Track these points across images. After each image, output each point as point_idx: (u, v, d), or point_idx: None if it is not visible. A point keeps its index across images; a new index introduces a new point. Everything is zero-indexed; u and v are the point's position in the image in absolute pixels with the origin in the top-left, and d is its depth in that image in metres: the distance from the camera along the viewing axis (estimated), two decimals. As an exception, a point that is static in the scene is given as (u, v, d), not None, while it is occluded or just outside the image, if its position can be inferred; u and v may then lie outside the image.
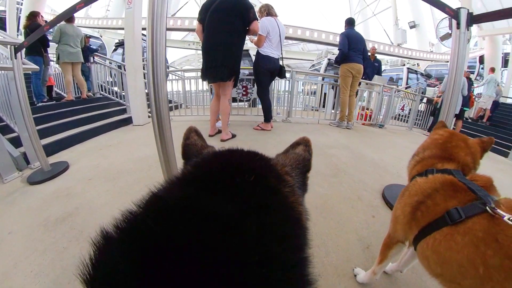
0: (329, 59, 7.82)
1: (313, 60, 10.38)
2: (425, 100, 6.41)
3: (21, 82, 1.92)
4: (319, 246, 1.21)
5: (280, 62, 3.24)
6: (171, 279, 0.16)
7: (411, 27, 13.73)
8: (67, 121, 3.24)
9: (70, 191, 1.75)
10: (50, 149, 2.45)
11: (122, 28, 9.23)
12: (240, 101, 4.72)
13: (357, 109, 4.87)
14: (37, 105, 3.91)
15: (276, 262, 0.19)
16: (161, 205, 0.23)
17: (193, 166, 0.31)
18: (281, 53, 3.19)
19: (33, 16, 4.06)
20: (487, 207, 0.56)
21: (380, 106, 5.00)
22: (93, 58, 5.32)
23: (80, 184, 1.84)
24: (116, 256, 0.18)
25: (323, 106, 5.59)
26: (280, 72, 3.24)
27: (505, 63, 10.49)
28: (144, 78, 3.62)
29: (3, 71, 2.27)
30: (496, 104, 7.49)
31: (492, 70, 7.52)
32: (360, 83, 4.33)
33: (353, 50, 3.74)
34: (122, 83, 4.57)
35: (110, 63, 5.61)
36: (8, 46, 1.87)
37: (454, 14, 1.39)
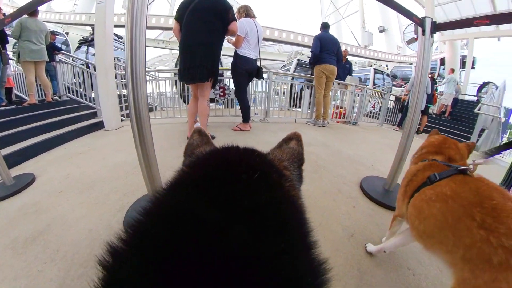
0: (298, 60, 8.14)
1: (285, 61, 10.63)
2: (393, 98, 6.88)
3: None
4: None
5: (258, 63, 3.26)
6: None
7: (380, 31, 14.70)
8: (31, 128, 2.97)
9: (39, 206, 1.58)
10: (12, 160, 2.23)
11: (92, 25, 8.69)
12: (216, 101, 4.63)
13: (331, 108, 5.08)
14: (-6, 110, 3.53)
15: (294, 251, 0.21)
16: (169, 215, 0.21)
17: (195, 166, 0.30)
18: (259, 54, 3.22)
19: (-12, 8, 3.64)
20: (457, 168, 0.78)
21: (353, 104, 5.27)
22: (57, 56, 4.90)
23: (50, 197, 1.68)
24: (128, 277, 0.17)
25: (294, 106, 5.76)
26: (257, 73, 3.27)
27: (463, 65, 11.81)
28: (116, 78, 3.42)
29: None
30: (456, 101, 8.38)
31: (452, 70, 8.38)
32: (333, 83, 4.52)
33: (326, 52, 3.90)
34: (91, 84, 4.29)
35: (74, 61, 5.16)
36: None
37: (420, 22, 1.55)
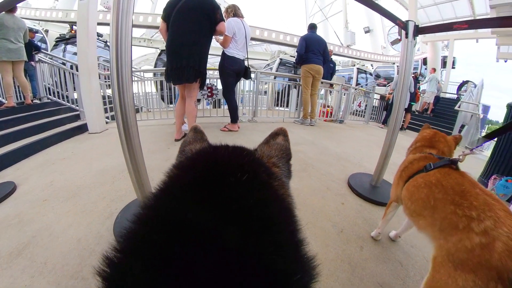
0: (281, 59, 8.29)
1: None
2: (378, 96, 7.09)
3: None
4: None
5: (246, 63, 3.26)
6: None
7: (366, 32, 15.07)
8: (9, 133, 2.81)
9: (22, 217, 1.49)
10: (-10, 167, 2.11)
11: (74, 22, 8.31)
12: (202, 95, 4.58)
13: (318, 106, 5.16)
14: (-32, 114, 3.32)
15: (284, 249, 0.21)
16: (163, 222, 0.22)
17: (185, 167, 0.30)
18: (247, 54, 3.22)
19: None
20: (449, 159, 0.95)
21: (340, 103, 5.38)
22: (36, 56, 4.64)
23: (34, 207, 1.59)
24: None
25: (277, 105, 5.82)
26: (245, 73, 3.27)
27: (443, 65, 12.47)
28: (100, 79, 3.30)
29: None
30: (437, 99, 8.79)
31: (434, 70, 8.88)
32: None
33: (312, 52, 3.97)
34: (74, 84, 4.12)
35: (51, 58, 4.87)
36: None
37: (403, 25, 1.62)
